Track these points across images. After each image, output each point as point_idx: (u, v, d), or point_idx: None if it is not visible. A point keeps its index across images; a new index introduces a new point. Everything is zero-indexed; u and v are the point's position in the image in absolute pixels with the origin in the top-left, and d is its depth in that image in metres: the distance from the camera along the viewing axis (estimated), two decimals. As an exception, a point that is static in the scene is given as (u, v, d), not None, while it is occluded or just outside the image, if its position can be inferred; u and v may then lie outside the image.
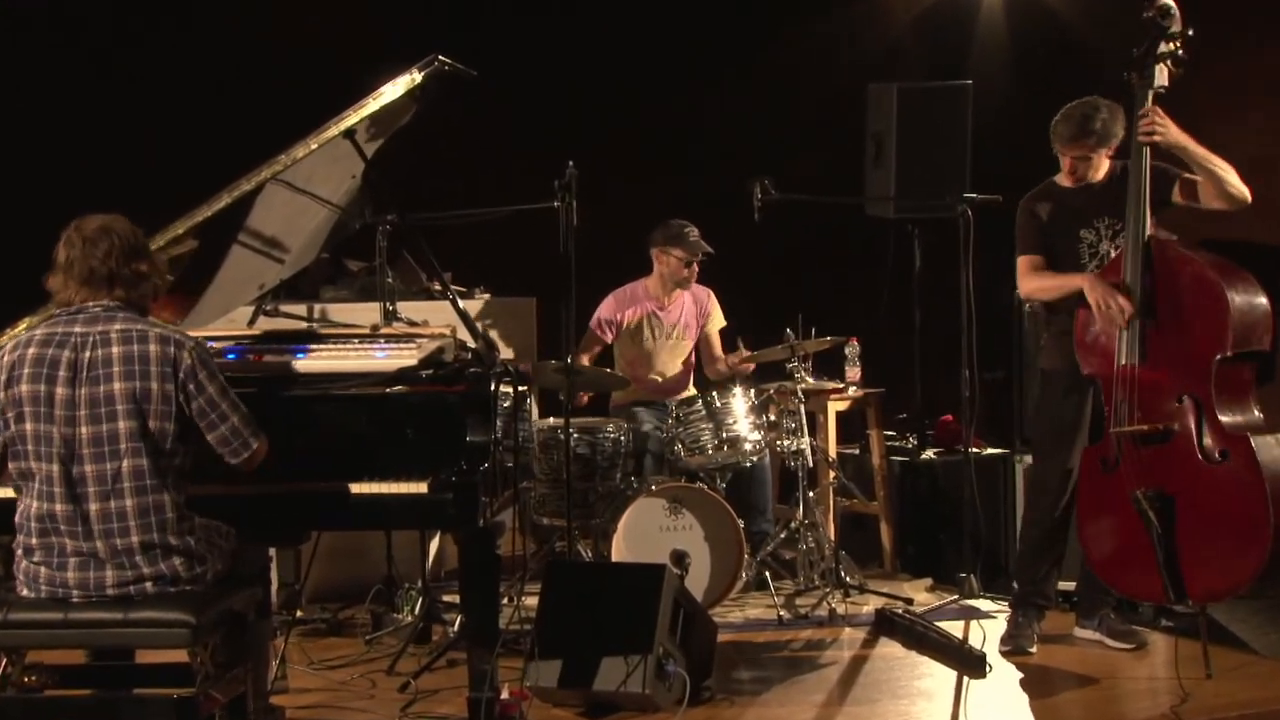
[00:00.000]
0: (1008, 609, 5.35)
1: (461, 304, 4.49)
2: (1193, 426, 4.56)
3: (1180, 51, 4.65)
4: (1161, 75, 4.68)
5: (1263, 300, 4.61)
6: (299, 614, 5.50)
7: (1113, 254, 4.93)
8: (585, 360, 6.45)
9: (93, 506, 3.63)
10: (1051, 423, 5.12)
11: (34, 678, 3.75)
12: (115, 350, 3.65)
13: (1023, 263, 5.11)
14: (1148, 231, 4.69)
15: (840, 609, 5.63)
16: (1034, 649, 5.11)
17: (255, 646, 4.00)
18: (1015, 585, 5.30)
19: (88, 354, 3.65)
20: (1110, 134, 4.94)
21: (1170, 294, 4.66)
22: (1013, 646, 5.10)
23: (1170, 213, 4.92)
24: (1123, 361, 4.67)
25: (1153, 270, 4.67)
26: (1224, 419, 4.54)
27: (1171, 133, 4.68)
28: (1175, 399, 4.60)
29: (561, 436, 5.63)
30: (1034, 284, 5.08)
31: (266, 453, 3.84)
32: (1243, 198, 4.74)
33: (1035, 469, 5.34)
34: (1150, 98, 4.69)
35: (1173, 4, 4.65)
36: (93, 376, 3.64)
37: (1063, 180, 5.09)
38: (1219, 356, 4.54)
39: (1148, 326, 4.65)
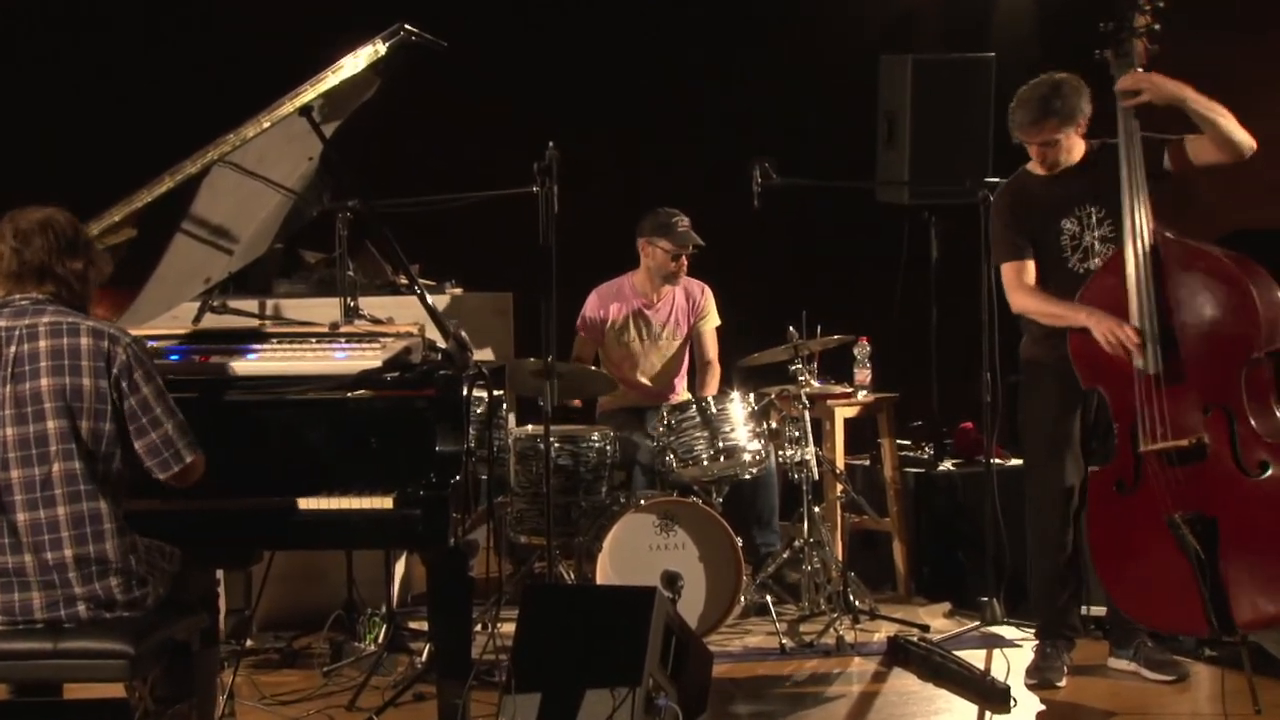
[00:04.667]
0: (1034, 639, 5.34)
1: (430, 299, 4.48)
2: (1226, 438, 4.55)
3: (1155, 25, 4.68)
4: (1139, 52, 4.70)
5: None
6: (249, 643, 5.48)
7: (1096, 246, 4.96)
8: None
9: (20, 516, 3.60)
10: (1042, 426, 5.10)
11: (-47, 715, 3.73)
12: (43, 344, 3.65)
13: (1008, 271, 5.07)
14: (1149, 226, 4.67)
15: (849, 637, 5.62)
16: (1063, 682, 5.10)
17: (200, 680, 3.97)
18: (1037, 617, 5.30)
19: (13, 349, 3.64)
20: (1075, 110, 4.94)
21: (1185, 294, 4.64)
22: (1039, 679, 5.10)
23: (1194, 203, 4.92)
24: (1140, 368, 4.65)
25: (1161, 271, 4.66)
26: (1258, 426, 4.53)
27: (1161, 86, 4.66)
28: (1202, 409, 4.59)
29: (541, 446, 5.61)
30: (1029, 303, 5.03)
31: (203, 471, 3.81)
32: (1248, 144, 4.74)
33: (1030, 486, 5.28)
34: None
35: None
36: (18, 373, 3.63)
37: (1035, 168, 5.10)
38: (1252, 357, 4.54)
39: (1166, 332, 4.64)
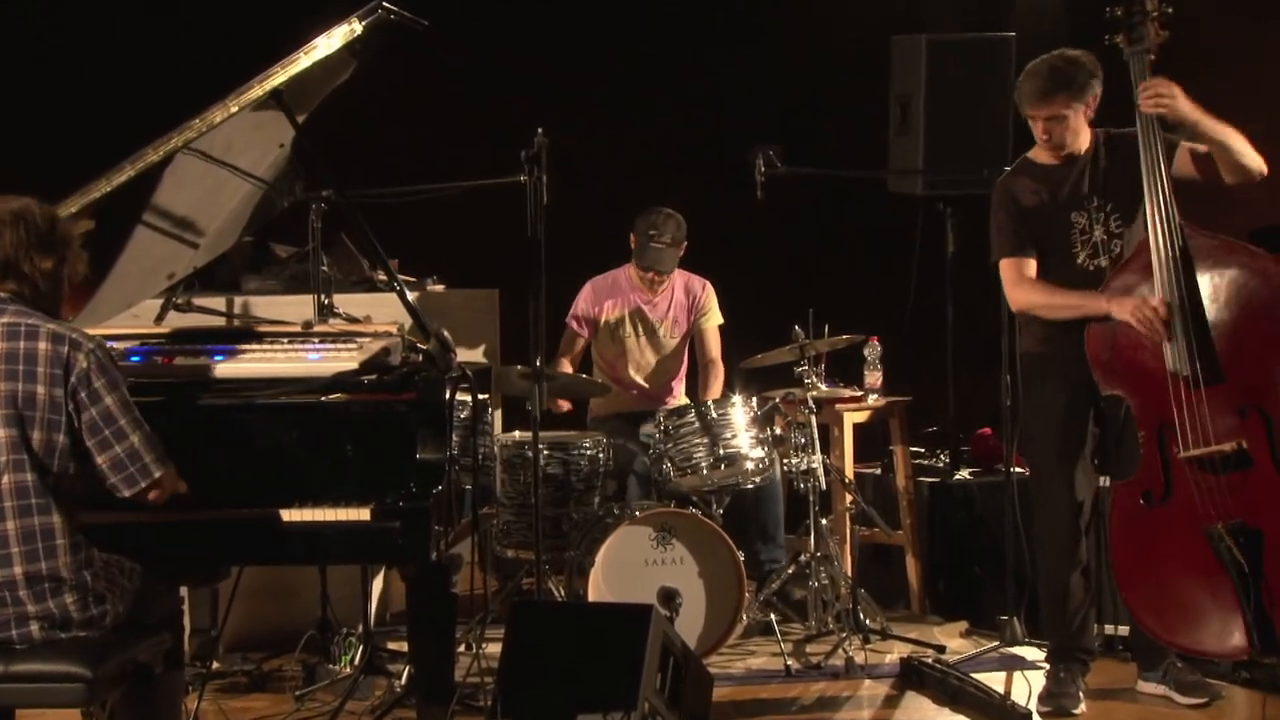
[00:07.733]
0: (1045, 663, 5.34)
1: (411, 297, 4.48)
2: (1265, 442, 4.56)
3: (1168, 8, 4.71)
4: (1151, 36, 4.73)
5: None
6: (216, 665, 5.47)
7: (1105, 240, 4.97)
8: (566, 364, 6.45)
9: (-33, 531, 3.60)
10: (1048, 431, 5.09)
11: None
12: None
13: (1008, 268, 5.07)
14: (1175, 221, 4.68)
15: (859, 658, 5.61)
16: (1079, 709, 5.08)
17: (163, 705, 3.97)
18: (1048, 639, 5.30)
19: None
20: (1084, 86, 4.96)
21: (1218, 290, 4.66)
22: (1054, 707, 5.08)
23: (1199, 199, 4.92)
24: (1172, 369, 4.65)
25: (1191, 267, 4.67)
26: None
27: (1180, 104, 4.70)
28: (1236, 413, 4.60)
29: (529, 454, 5.60)
30: (1035, 298, 5.03)
31: (174, 487, 3.80)
32: (1258, 169, 4.79)
33: (1038, 496, 5.28)
34: (1148, 65, 4.74)
35: None
36: None
37: (1039, 155, 5.11)
38: None
39: (1199, 330, 4.65)
